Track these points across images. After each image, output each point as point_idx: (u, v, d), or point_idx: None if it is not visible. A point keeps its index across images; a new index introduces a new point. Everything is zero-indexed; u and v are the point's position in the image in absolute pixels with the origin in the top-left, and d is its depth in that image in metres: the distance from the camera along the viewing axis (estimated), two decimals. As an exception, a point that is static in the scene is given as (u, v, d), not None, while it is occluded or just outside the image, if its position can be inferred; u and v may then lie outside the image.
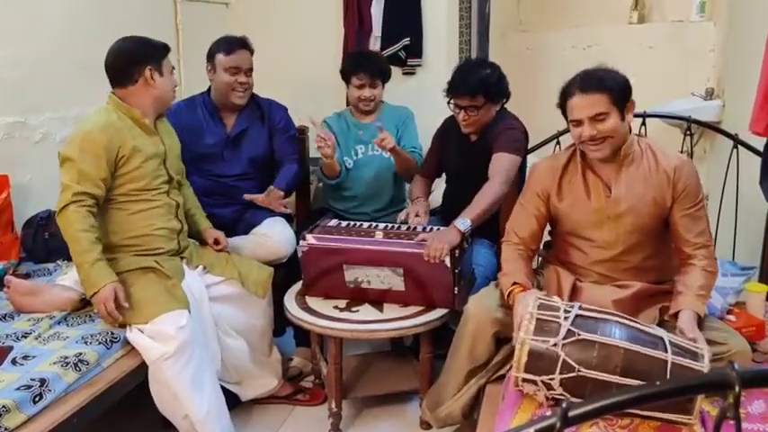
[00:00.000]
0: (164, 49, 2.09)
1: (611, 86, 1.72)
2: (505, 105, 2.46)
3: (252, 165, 2.59)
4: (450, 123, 2.53)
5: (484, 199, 2.18)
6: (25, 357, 1.72)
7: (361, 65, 2.64)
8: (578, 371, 1.46)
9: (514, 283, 1.81)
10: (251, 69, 2.54)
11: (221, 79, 2.50)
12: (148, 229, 2.04)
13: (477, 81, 2.31)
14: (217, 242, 2.30)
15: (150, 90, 2.04)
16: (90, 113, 2.04)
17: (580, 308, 1.57)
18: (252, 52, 2.56)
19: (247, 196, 2.44)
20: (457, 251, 2.08)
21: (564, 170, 1.88)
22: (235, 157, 2.56)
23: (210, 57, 2.53)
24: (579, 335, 1.49)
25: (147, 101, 2.05)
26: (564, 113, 1.82)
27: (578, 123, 1.76)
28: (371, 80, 2.64)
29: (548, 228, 2.02)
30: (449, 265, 2.07)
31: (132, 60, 2.02)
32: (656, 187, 1.78)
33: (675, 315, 1.70)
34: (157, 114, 2.12)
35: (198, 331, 1.96)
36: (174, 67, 2.14)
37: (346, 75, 2.68)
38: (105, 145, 1.92)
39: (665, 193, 1.77)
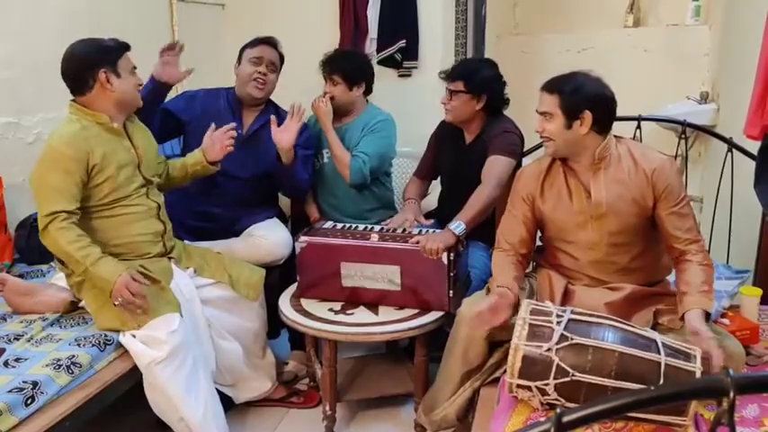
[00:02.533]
0: (117, 50, 1.98)
1: (565, 91, 1.77)
2: (504, 110, 2.46)
3: (256, 171, 2.55)
4: (446, 125, 2.53)
5: (477, 202, 2.19)
6: (17, 359, 1.71)
7: (327, 60, 2.64)
8: (573, 375, 1.46)
9: (498, 287, 1.83)
10: (273, 64, 2.54)
11: (244, 70, 2.52)
12: (131, 236, 2.01)
13: (462, 68, 2.40)
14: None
15: (109, 94, 1.95)
16: (55, 128, 1.98)
17: (572, 312, 1.56)
18: (281, 55, 2.58)
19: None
20: (452, 254, 2.09)
21: (547, 173, 1.91)
22: (244, 162, 2.53)
23: (240, 53, 2.57)
24: (572, 339, 1.48)
25: (109, 105, 1.98)
26: None
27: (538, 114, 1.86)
28: (330, 76, 2.61)
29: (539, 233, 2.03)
30: (445, 264, 2.07)
31: (84, 66, 1.94)
32: (636, 188, 1.79)
33: (683, 317, 1.69)
34: (126, 116, 2.06)
35: (190, 333, 1.95)
36: (135, 66, 2.03)
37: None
38: (73, 157, 1.87)
39: (645, 193, 1.79)
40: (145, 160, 2.09)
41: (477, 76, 2.34)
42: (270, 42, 2.57)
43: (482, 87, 2.35)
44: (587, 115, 1.76)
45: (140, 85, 2.06)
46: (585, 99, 1.76)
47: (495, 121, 2.40)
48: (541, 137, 1.85)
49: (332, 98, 2.61)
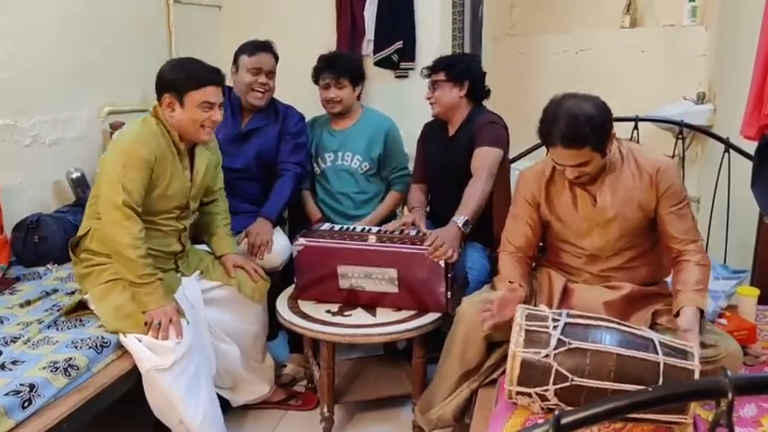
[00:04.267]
0: (195, 83, 1.93)
1: (591, 138, 1.68)
2: (487, 105, 2.50)
3: (256, 162, 2.57)
4: (430, 124, 2.59)
5: (473, 195, 2.21)
6: (14, 362, 1.70)
7: (327, 65, 2.63)
8: (572, 380, 1.45)
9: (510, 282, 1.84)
10: (272, 72, 2.56)
11: (242, 79, 2.53)
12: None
13: (442, 61, 2.47)
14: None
15: (170, 117, 1.96)
16: (131, 124, 1.99)
17: (568, 315, 1.56)
18: (276, 57, 2.59)
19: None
20: (450, 255, 2.09)
21: (550, 179, 1.89)
22: (240, 153, 2.55)
23: (235, 58, 2.58)
24: (570, 344, 1.47)
25: (173, 126, 1.97)
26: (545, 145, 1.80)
27: (562, 165, 1.76)
28: (336, 80, 2.61)
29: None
30: (443, 266, 2.07)
31: (159, 82, 1.97)
32: (640, 191, 1.79)
33: (677, 315, 1.69)
34: (191, 142, 2.03)
35: (195, 338, 1.95)
36: (208, 103, 1.95)
37: (315, 77, 2.66)
38: (146, 158, 1.88)
39: (649, 195, 1.79)
40: (196, 187, 2.10)
41: (457, 66, 2.42)
42: (265, 48, 2.57)
43: (463, 74, 2.41)
44: (612, 134, 1.74)
45: (214, 121, 1.98)
46: (605, 127, 1.71)
47: (478, 114, 2.44)
48: (579, 177, 1.78)
49: (339, 101, 2.62)
